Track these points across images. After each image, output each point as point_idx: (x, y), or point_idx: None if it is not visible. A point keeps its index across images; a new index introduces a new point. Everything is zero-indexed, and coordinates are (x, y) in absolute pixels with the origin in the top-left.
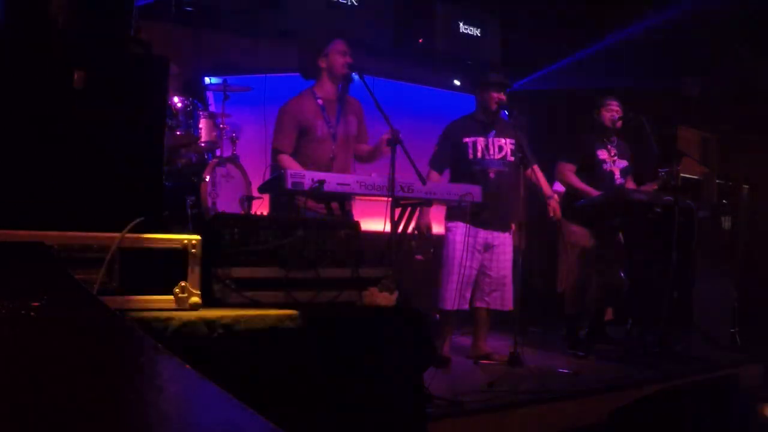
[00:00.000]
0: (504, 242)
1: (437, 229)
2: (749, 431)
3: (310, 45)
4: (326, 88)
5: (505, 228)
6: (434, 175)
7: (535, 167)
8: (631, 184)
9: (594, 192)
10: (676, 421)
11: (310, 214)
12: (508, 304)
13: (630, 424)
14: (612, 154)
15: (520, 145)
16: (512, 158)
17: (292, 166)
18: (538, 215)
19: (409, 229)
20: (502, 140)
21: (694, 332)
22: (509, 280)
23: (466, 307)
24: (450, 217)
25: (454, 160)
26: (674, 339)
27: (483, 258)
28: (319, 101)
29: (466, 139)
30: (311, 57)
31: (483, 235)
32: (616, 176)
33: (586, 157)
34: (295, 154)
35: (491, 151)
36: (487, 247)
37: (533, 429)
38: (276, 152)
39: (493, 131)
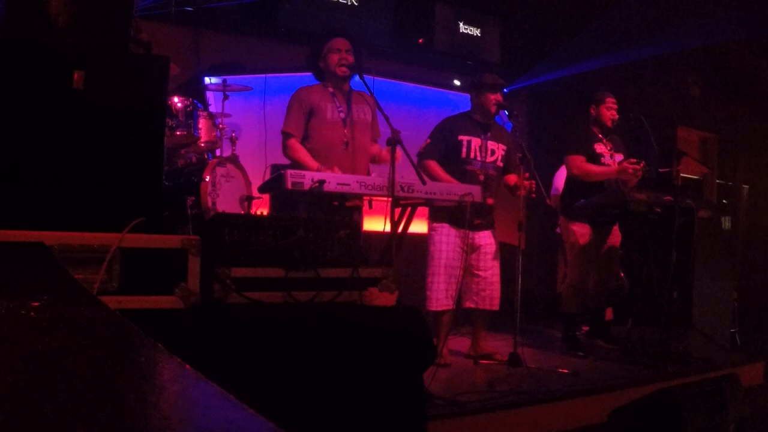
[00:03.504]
0: (489, 242)
1: (421, 228)
2: (749, 431)
3: (311, 46)
4: (334, 87)
5: (488, 227)
6: (433, 164)
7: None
8: None
9: (609, 171)
10: (675, 421)
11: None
12: (496, 304)
13: (630, 424)
14: (609, 148)
15: (520, 145)
16: (501, 164)
17: (300, 151)
18: (538, 216)
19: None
20: (495, 144)
21: (694, 332)
22: (497, 279)
23: (452, 306)
24: (434, 217)
25: (443, 156)
26: (674, 339)
27: (470, 258)
28: (330, 89)
29: (461, 137)
30: (313, 59)
31: (469, 235)
32: None
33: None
34: (307, 139)
35: (484, 153)
36: (473, 248)
37: (533, 429)
38: (285, 136)
39: (489, 133)
